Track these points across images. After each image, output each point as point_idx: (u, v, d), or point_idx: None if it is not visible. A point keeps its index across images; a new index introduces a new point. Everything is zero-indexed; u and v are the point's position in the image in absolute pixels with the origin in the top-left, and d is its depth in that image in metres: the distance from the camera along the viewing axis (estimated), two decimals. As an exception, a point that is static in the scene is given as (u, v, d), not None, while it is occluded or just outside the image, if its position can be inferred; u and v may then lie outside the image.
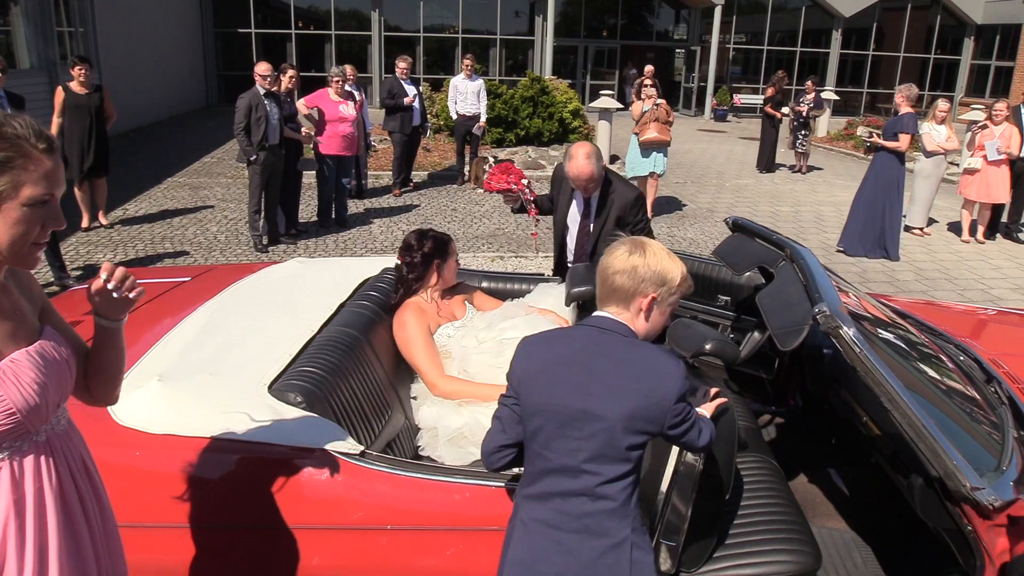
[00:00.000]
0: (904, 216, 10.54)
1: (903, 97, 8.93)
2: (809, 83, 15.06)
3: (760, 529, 2.86)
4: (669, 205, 11.52)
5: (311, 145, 9.11)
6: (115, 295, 1.71)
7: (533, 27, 25.43)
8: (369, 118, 11.03)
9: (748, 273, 4.30)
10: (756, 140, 15.70)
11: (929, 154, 9.92)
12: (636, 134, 10.33)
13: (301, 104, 9.02)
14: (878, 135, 9.16)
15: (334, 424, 2.51)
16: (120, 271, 1.70)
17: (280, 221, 8.78)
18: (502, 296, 3.97)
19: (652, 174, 10.47)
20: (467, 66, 11.90)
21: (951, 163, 11.63)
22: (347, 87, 9.42)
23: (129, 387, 2.61)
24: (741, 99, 26.10)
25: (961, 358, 3.33)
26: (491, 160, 11.80)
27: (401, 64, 10.88)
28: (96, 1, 15.29)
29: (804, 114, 14.43)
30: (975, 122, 10.10)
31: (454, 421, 3.13)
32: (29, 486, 1.63)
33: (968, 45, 27.65)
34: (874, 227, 9.12)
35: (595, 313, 2.13)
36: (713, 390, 2.54)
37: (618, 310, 2.09)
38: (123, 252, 8.19)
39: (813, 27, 27.06)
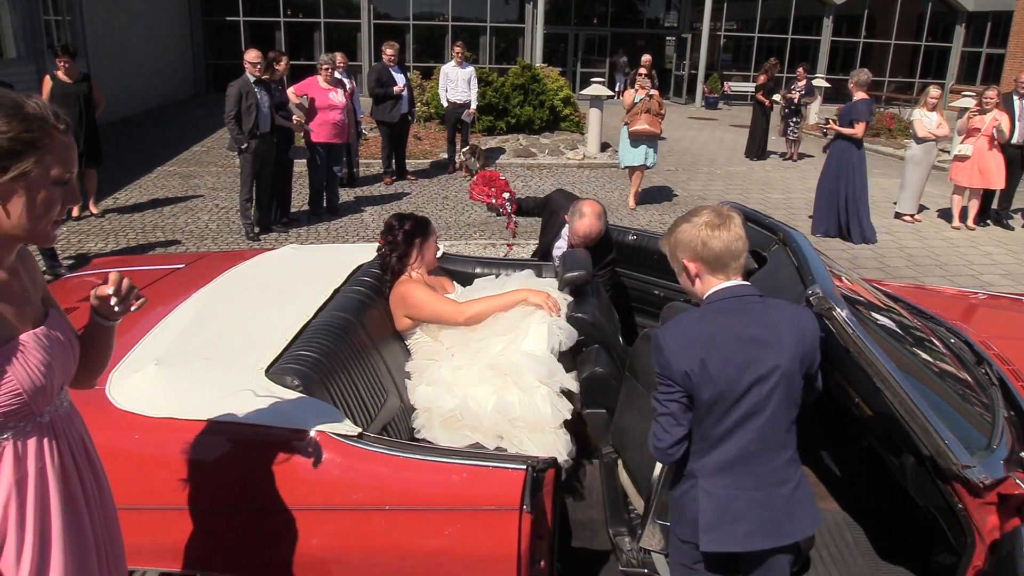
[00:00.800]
0: (895, 204, 10.62)
1: (854, 83, 9.22)
2: (800, 70, 15.07)
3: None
4: (660, 193, 11.53)
5: (302, 133, 9.08)
6: (116, 308, 1.75)
7: (523, 15, 25.32)
8: (360, 106, 10.99)
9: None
10: (747, 128, 15.71)
11: (920, 140, 9.96)
12: (626, 124, 10.30)
13: (291, 92, 8.98)
14: (834, 121, 9.35)
15: (331, 406, 2.52)
16: (126, 283, 1.74)
17: (273, 209, 8.76)
18: None
19: (642, 167, 10.48)
20: (458, 53, 11.87)
21: (942, 150, 11.68)
22: (337, 75, 9.38)
23: (127, 371, 2.63)
24: (732, 87, 26.09)
25: (952, 340, 3.36)
26: (479, 150, 11.79)
27: (388, 51, 10.77)
28: (83, -11, 15.17)
29: (795, 101, 14.45)
30: (966, 110, 10.14)
31: (447, 403, 3.15)
32: (32, 466, 1.64)
33: (959, 32, 27.67)
34: (834, 211, 9.33)
35: (723, 285, 2.21)
36: None
37: (734, 274, 2.22)
38: (114, 241, 8.16)
39: (804, 14, 27.04)
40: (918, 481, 2.57)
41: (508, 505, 2.29)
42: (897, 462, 2.73)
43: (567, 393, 3.21)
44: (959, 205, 10.25)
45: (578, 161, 13.53)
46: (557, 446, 3.05)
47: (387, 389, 3.18)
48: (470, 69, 11.99)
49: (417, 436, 3.15)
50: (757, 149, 15.02)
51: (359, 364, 3.02)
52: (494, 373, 3.21)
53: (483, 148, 11.96)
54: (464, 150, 12.04)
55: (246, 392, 2.47)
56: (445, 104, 12.06)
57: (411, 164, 12.20)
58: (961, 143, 10.00)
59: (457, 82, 11.82)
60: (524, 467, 2.33)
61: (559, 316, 3.34)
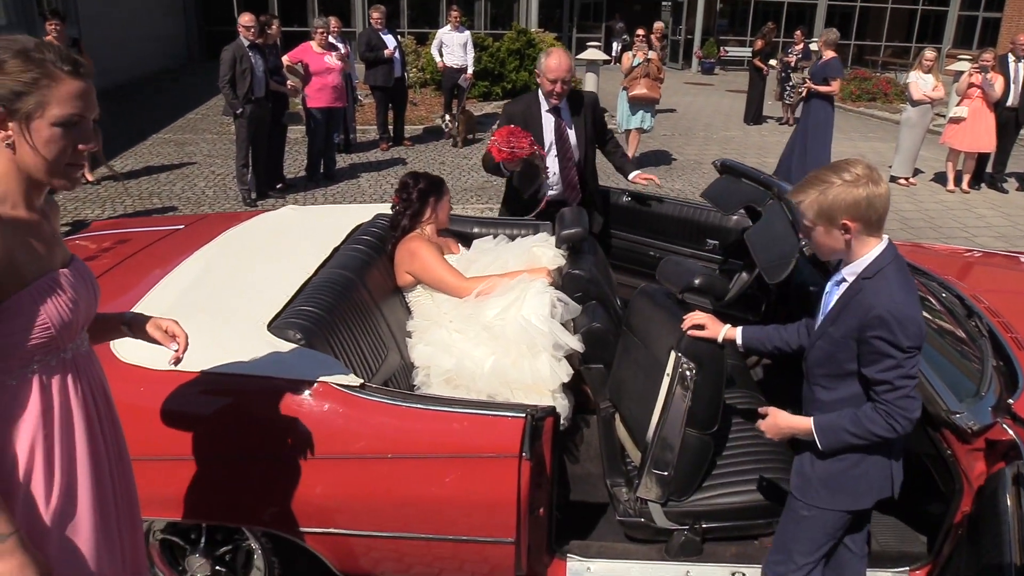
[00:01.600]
0: (890, 167, 10.62)
1: (823, 42, 9.61)
2: (798, 34, 14.99)
3: (746, 460, 2.96)
4: (656, 158, 11.51)
5: (298, 99, 9.02)
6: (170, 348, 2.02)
7: (519, -21, 25.02)
8: (356, 72, 10.90)
9: (736, 216, 4.35)
10: (743, 93, 15.64)
11: (915, 103, 9.95)
12: (625, 88, 10.25)
13: (285, 59, 8.91)
14: (809, 80, 9.49)
15: (333, 359, 2.56)
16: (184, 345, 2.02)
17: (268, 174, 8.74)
18: None
19: (638, 129, 10.45)
20: (454, 18, 11.76)
21: (938, 114, 11.66)
22: (331, 39, 9.31)
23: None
24: (727, 51, 25.90)
25: (944, 295, 3.41)
26: (457, 116, 11.43)
27: (374, 14, 10.60)
28: (73, -46, 14.94)
29: (792, 65, 14.38)
30: (962, 73, 10.12)
31: (445, 362, 3.19)
32: (56, 399, 1.70)
33: (956, -5, 27.45)
34: (803, 168, 9.19)
35: (886, 243, 2.19)
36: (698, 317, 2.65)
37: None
38: (111, 208, 8.15)
39: (801, -22, 26.76)
40: (908, 428, 2.63)
41: (507, 452, 2.35)
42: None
43: (568, 355, 3.24)
44: (953, 169, 10.27)
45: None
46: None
47: (388, 345, 3.23)
48: (466, 34, 11.89)
49: (417, 393, 3.20)
50: (754, 114, 14.97)
51: (360, 320, 3.06)
52: (490, 335, 3.24)
53: (462, 114, 11.64)
54: (445, 117, 11.84)
55: (249, 346, 2.51)
56: (438, 60, 11.92)
57: (407, 130, 12.15)
58: (957, 105, 9.99)
59: (453, 47, 11.73)
60: (523, 415, 2.38)
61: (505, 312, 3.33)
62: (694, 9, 25.19)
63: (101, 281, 2.42)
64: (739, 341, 2.60)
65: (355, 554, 2.53)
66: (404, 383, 3.22)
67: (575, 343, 3.20)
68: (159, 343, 2.04)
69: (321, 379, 2.42)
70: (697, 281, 2.93)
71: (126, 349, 2.52)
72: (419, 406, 2.44)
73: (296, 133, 10.35)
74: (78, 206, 8.15)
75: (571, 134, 4.34)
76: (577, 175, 4.36)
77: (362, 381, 2.47)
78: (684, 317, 2.69)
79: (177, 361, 2.02)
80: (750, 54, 15.62)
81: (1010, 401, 2.54)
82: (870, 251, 2.17)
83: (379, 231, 3.67)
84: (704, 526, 2.80)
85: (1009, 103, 9.80)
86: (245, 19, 7.84)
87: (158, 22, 20.47)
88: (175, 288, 2.99)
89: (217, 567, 2.75)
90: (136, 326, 2.07)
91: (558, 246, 3.62)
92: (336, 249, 3.43)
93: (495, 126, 4.59)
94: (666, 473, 2.73)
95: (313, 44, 9.03)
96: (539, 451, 2.41)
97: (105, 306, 2.02)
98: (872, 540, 2.63)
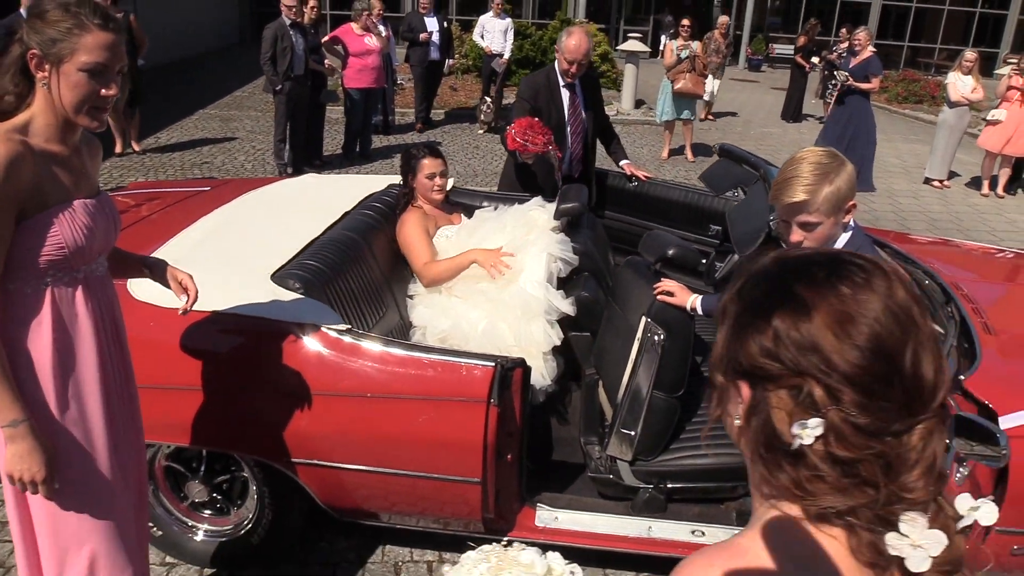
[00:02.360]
0: (926, 169, 10.53)
1: (863, 38, 9.68)
2: (843, 31, 14.86)
3: (714, 425, 3.10)
4: (693, 149, 11.54)
5: (336, 78, 9.28)
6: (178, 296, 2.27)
7: (569, -30, 25.07)
8: (396, 56, 11.16)
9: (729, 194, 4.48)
10: (786, 90, 15.55)
11: (953, 104, 9.87)
12: (671, 81, 10.27)
13: (325, 39, 9.18)
14: (851, 78, 9.45)
15: (327, 307, 2.78)
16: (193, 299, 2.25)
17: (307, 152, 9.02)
18: None
19: (685, 120, 10.52)
20: (497, 5, 11.95)
21: (982, 118, 11.48)
22: (372, 21, 9.55)
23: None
24: (777, 49, 25.64)
25: (927, 282, 3.52)
26: (488, 103, 11.67)
27: None
28: (133, -68, 15.43)
29: (835, 63, 14.25)
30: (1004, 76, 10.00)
31: (441, 323, 3.39)
32: (66, 310, 1.94)
33: (1017, -1, 26.82)
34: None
35: (854, 225, 2.27)
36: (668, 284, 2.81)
37: None
38: (154, 176, 8.52)
39: (856, -23, 26.40)
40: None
41: (477, 397, 2.54)
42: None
43: (561, 320, 3.41)
44: (989, 172, 10.15)
45: (612, 117, 13.52)
46: (542, 370, 3.27)
47: (387, 304, 3.44)
48: (507, 20, 12.08)
49: (397, 340, 3.39)
50: (793, 111, 14.88)
51: (360, 279, 3.27)
52: (487, 299, 3.42)
53: (492, 102, 11.80)
54: (485, 101, 12.06)
55: (253, 292, 2.75)
56: (484, 45, 12.12)
57: (439, 115, 12.34)
58: (997, 107, 9.87)
59: (493, 33, 11.94)
60: (493, 364, 2.57)
61: (502, 277, 3.42)
62: (744, 4, 24.97)
63: (128, 230, 2.65)
64: (699, 310, 2.76)
65: (336, 486, 2.75)
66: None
67: (567, 307, 3.37)
68: (173, 292, 2.28)
69: (313, 323, 2.64)
70: (670, 252, 3.09)
71: (141, 289, 2.76)
72: (399, 351, 2.65)
73: (336, 112, 10.62)
74: (123, 173, 8.53)
75: (580, 107, 4.61)
76: (582, 150, 4.57)
77: (348, 326, 2.69)
78: (655, 285, 2.85)
79: (185, 312, 2.25)
80: (793, 50, 15.52)
81: (961, 377, 2.66)
82: (845, 232, 2.28)
83: (389, 199, 3.88)
84: (670, 486, 2.95)
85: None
86: (288, -1, 8.11)
87: (212, 3, 21.01)
88: (193, 237, 3.24)
89: (214, 495, 3.00)
90: (156, 270, 2.31)
91: (557, 219, 3.79)
92: (346, 213, 3.65)
93: (515, 99, 4.83)
94: (632, 432, 2.89)
95: (354, 26, 9.29)
96: (508, 399, 2.60)
97: (129, 250, 2.30)
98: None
